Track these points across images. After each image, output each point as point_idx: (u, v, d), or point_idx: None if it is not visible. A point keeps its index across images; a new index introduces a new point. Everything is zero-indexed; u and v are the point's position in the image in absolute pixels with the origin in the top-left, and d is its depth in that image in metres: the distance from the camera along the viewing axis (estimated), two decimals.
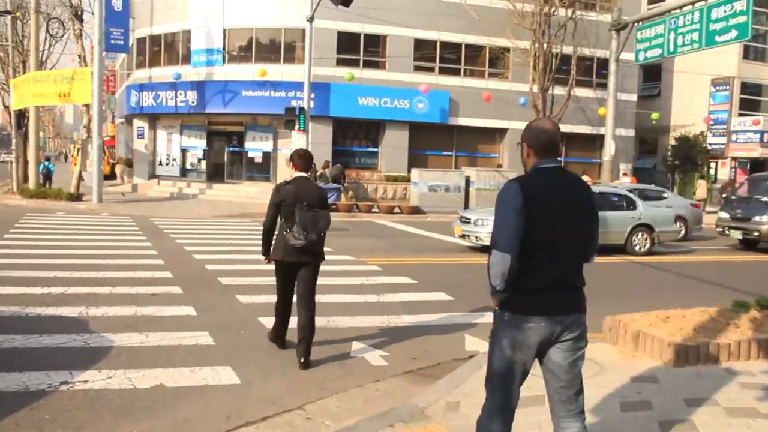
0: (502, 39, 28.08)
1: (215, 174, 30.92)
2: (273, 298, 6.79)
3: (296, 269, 6.28)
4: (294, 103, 25.29)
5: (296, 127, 23.13)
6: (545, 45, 27.16)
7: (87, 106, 25.85)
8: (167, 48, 31.15)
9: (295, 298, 6.44)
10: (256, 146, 29.50)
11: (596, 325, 7.83)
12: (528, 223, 3.17)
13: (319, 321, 7.85)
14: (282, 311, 6.62)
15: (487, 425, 3.42)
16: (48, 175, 28.84)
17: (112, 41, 29.58)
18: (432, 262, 13.41)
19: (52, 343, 6.60)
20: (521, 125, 30.39)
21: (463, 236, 14.92)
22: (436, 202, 24.33)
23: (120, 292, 9.06)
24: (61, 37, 29.54)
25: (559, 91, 28.54)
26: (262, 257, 6.53)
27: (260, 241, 6.54)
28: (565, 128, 29.20)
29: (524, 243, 3.18)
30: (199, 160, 31.64)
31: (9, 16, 29.63)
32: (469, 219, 14.74)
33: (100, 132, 24.85)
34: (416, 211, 24.01)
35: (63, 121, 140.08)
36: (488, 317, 8.27)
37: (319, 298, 9.16)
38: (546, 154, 3.33)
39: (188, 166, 32.01)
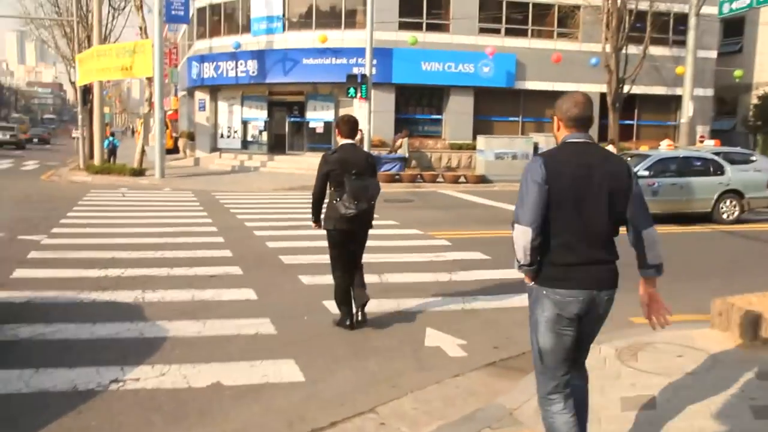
0: None
1: (276, 145, 30.60)
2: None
3: (349, 237, 6.29)
4: (356, 71, 24.63)
5: (358, 95, 22.45)
6: (619, 0, 25.58)
7: (149, 79, 25.74)
8: (227, 17, 30.79)
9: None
10: (317, 116, 28.97)
11: (695, 305, 7.05)
12: (551, 197, 3.19)
13: (389, 304, 7.32)
14: (341, 279, 6.45)
15: (547, 409, 3.42)
16: (113, 151, 29.04)
17: (173, 11, 29.26)
18: (505, 235, 12.41)
19: (105, 334, 6.20)
20: (593, 87, 29.26)
21: None
22: (503, 171, 23.39)
23: (178, 274, 8.65)
24: (123, 9, 29.47)
25: (632, 50, 26.97)
26: (312, 225, 6.56)
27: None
28: (638, 89, 27.86)
29: (550, 218, 3.21)
30: (260, 132, 31.35)
31: None
32: None
33: (162, 105, 24.72)
34: (482, 180, 23.16)
35: (130, 96, 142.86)
36: None
37: (387, 277, 8.65)
38: (575, 128, 3.32)
39: (249, 138, 31.78)
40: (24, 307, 7.08)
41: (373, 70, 23.82)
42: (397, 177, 22.86)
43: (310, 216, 6.58)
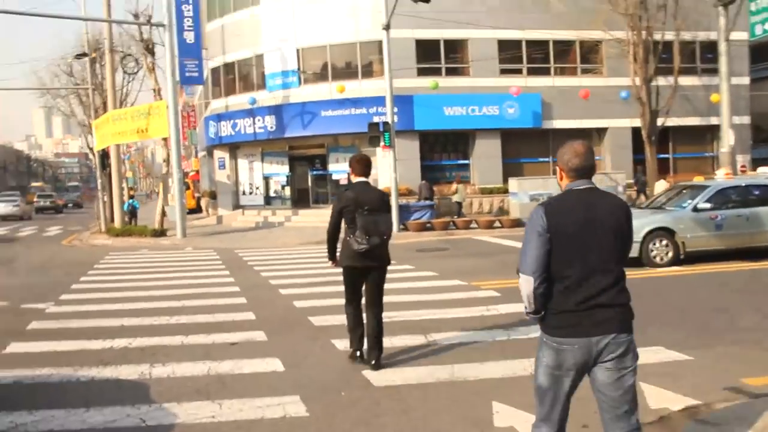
0: (593, 31, 25.70)
1: (300, 200, 29.68)
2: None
3: (363, 274, 6.33)
4: (376, 119, 23.75)
5: (381, 143, 21.50)
6: (644, 32, 24.59)
7: (165, 140, 25.07)
8: (241, 75, 30.28)
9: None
10: (339, 168, 28.04)
11: None
12: (554, 245, 3.20)
13: (442, 372, 6.08)
14: (353, 315, 6.52)
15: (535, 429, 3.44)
16: (133, 213, 28.29)
17: (187, 74, 28.89)
18: None
19: (99, 422, 5.07)
20: (623, 123, 28.17)
21: None
22: None
23: (193, 342, 7.52)
24: (136, 73, 29.12)
25: (661, 81, 25.86)
26: (330, 263, 6.62)
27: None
28: (671, 121, 26.60)
29: (552, 265, 3.22)
30: (283, 187, 30.49)
31: (86, 59, 29.52)
32: None
33: (180, 165, 23.96)
34: (518, 223, 21.91)
35: (154, 161, 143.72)
36: (666, 355, 6.46)
37: (435, 337, 7.44)
38: (577, 178, 3.34)
39: (272, 194, 30.93)
40: (9, 389, 6.02)
41: (395, 118, 22.86)
42: (428, 225, 21.72)
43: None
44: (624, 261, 3.35)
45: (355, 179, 6.40)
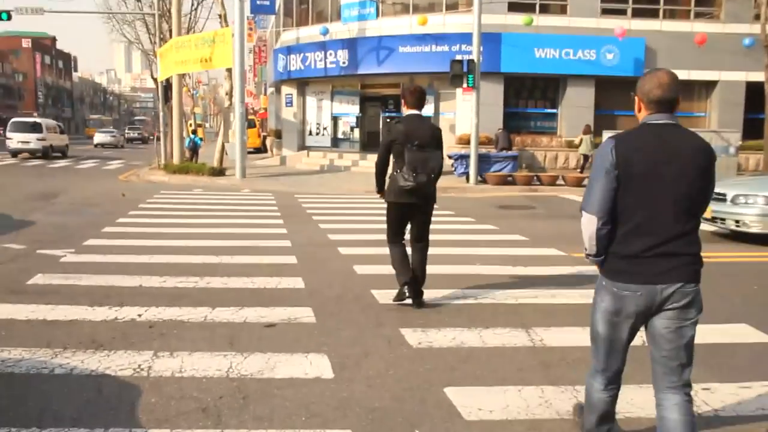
0: None
1: (369, 143, 27.72)
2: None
3: (409, 211, 6.11)
4: (459, 58, 21.42)
5: (464, 84, 19.22)
6: None
7: (229, 71, 23.36)
8: (315, 4, 28.14)
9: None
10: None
11: None
12: (621, 184, 2.99)
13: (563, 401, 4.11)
14: (398, 254, 6.21)
15: (590, 381, 3.36)
16: (195, 149, 26.86)
17: (258, 1, 27.21)
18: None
19: None
20: (737, 76, 25.03)
21: (713, 219, 10.48)
22: None
23: (219, 319, 5.73)
24: None
25: None
26: (377, 194, 6.43)
27: None
28: None
29: (619, 205, 3.03)
30: (352, 129, 28.56)
31: None
32: (724, 195, 10.25)
33: (243, 99, 22.24)
34: None
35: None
36: None
37: (540, 334, 5.48)
38: (657, 111, 3.05)
39: (340, 136, 29.04)
40: None
41: (480, 57, 20.47)
42: (509, 178, 19.50)
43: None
44: (701, 211, 3.11)
45: (407, 111, 6.07)
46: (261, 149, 39.67)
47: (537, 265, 8.32)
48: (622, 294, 3.06)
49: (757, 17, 23.08)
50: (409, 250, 6.29)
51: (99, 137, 52.47)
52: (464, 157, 19.75)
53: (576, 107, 24.48)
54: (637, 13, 24.51)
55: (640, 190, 2.99)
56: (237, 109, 21.97)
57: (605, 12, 24.25)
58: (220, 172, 22.56)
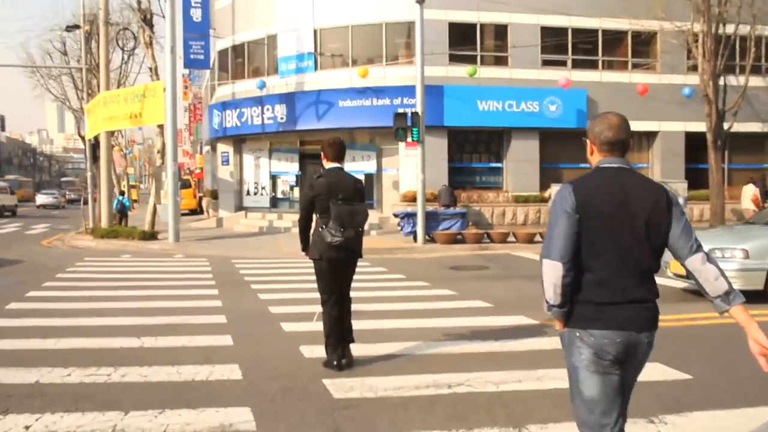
0: (649, 21, 22.59)
1: None
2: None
3: (336, 266, 5.94)
4: (402, 111, 20.81)
5: (408, 138, 18.46)
6: (714, 21, 21.33)
7: (161, 127, 22.17)
8: (251, 58, 27.29)
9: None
10: (356, 167, 25.06)
11: None
12: (583, 228, 2.91)
13: None
14: (333, 311, 6.00)
15: None
16: (123, 212, 25.37)
17: (192, 56, 26.39)
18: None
19: None
20: (676, 126, 25.10)
21: (684, 276, 9.72)
22: None
23: (131, 429, 4.52)
24: (133, 51, 26.21)
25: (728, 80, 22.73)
26: (302, 252, 6.26)
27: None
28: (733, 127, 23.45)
29: (583, 251, 2.93)
30: (292, 188, 27.47)
31: (80, 32, 26.63)
32: None
33: (176, 157, 21.01)
34: None
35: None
36: None
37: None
38: (610, 153, 3.06)
39: (279, 195, 27.91)
40: None
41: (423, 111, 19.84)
42: (459, 237, 18.67)
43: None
44: (659, 255, 3.00)
45: (328, 165, 6.04)
46: (197, 210, 38.20)
47: (509, 338, 7.34)
48: (601, 342, 2.91)
49: (692, 68, 23.29)
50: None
51: (42, 198, 53.38)
52: (411, 216, 18.87)
53: (522, 161, 24.08)
54: (577, 65, 24.49)
55: (602, 234, 2.91)
56: (169, 168, 20.72)
57: (546, 63, 24.13)
58: (151, 235, 21.14)
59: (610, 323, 2.90)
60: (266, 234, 23.57)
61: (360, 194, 5.99)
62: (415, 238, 18.83)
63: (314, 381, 5.70)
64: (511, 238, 18.93)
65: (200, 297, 10.28)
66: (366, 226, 6.24)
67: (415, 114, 18.36)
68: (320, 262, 5.98)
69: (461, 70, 22.86)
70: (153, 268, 14.18)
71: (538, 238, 18.94)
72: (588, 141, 3.14)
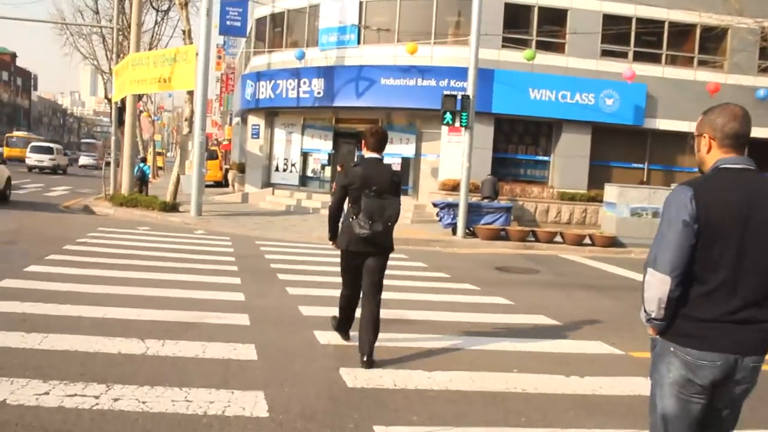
0: (721, 15, 20.86)
1: None
2: None
3: (362, 259, 5.79)
4: (452, 93, 19.40)
5: (456, 122, 17.00)
6: None
7: (191, 94, 20.92)
8: (290, 28, 25.93)
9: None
10: (393, 150, 23.71)
11: None
12: (701, 238, 2.63)
13: None
14: (346, 307, 6.14)
15: None
16: (143, 179, 24.18)
17: (228, 22, 24.97)
18: None
19: None
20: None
21: None
22: (639, 232, 17.52)
23: None
24: (167, 11, 24.92)
25: None
26: (329, 242, 6.13)
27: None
28: None
29: (697, 263, 2.66)
30: (323, 167, 26.19)
31: None
32: None
33: (204, 125, 19.77)
34: (614, 243, 17.34)
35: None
36: None
37: None
38: (733, 149, 2.74)
39: (309, 174, 26.65)
40: None
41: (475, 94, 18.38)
42: (502, 233, 17.24)
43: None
44: None
45: (367, 154, 5.84)
46: (222, 183, 37.06)
47: (596, 373, 5.95)
48: (697, 363, 2.67)
49: (763, 70, 21.58)
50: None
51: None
52: (452, 206, 17.45)
53: (571, 156, 22.54)
54: (638, 57, 22.83)
55: (723, 247, 2.63)
56: (196, 137, 19.49)
57: (605, 54, 22.49)
58: (172, 207, 19.95)
59: (713, 344, 2.66)
60: (294, 214, 22.30)
61: (395, 188, 5.76)
62: (454, 231, 17.45)
63: (363, 422, 4.37)
64: (557, 239, 17.46)
65: (220, 287, 8.99)
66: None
67: (465, 97, 16.89)
68: (346, 252, 5.84)
69: (514, 55, 21.36)
70: (170, 245, 12.93)
71: (587, 240, 17.46)
72: (702, 136, 2.81)
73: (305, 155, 26.53)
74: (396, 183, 5.79)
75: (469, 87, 17.25)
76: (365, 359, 5.55)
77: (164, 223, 17.83)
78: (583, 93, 21.90)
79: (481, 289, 10.37)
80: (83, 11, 31.31)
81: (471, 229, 17.42)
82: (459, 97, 16.92)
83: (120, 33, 25.92)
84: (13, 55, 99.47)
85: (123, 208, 20.10)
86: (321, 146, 25.99)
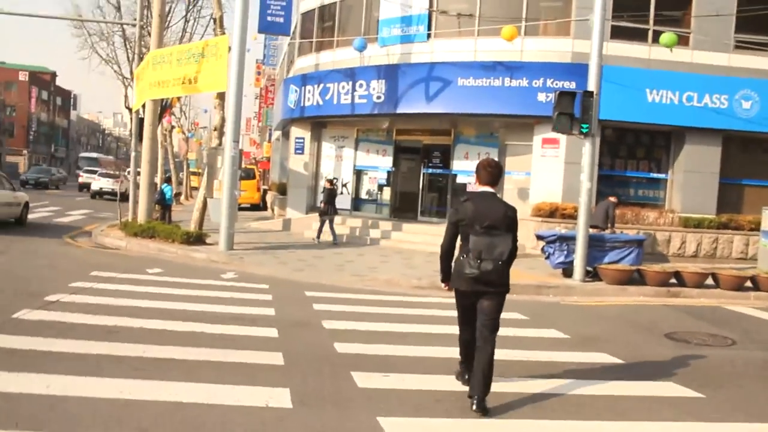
0: None
1: (403, 208, 21.42)
2: None
3: (475, 299, 5.52)
4: (541, 98, 15.52)
5: (575, 130, 12.83)
6: None
7: (221, 97, 17.19)
8: (343, 22, 22.09)
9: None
10: (468, 167, 19.67)
11: None
12: None
13: None
14: (464, 349, 5.82)
15: None
16: (163, 203, 20.52)
17: (269, 17, 21.57)
18: None
19: None
20: None
21: None
22: None
23: None
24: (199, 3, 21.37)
25: None
26: (442, 284, 5.88)
27: None
28: None
29: None
30: (381, 187, 22.25)
31: None
32: None
33: (237, 136, 16.00)
34: None
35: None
36: None
37: None
38: None
39: (364, 195, 22.73)
40: None
41: (598, 93, 14.17)
42: (635, 275, 12.98)
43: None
44: None
45: (479, 188, 5.64)
46: (260, 206, 33.36)
47: None
48: None
49: None
50: None
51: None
52: (565, 240, 13.21)
53: (695, 172, 18.19)
54: None
55: None
56: (227, 151, 15.74)
57: (740, 46, 18.13)
58: (197, 239, 16.22)
59: None
60: (347, 245, 18.33)
61: (509, 223, 5.42)
62: (566, 273, 13.31)
63: None
64: (709, 281, 13.18)
65: (254, 381, 5.03)
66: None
67: (587, 95, 12.79)
68: (458, 292, 5.62)
69: (625, 48, 17.28)
70: (184, 304, 9.04)
71: (748, 284, 13.14)
72: None
73: (359, 173, 22.61)
74: (510, 218, 5.44)
75: (592, 81, 13.18)
76: (474, 406, 5.23)
77: (185, 261, 14.13)
78: (714, 94, 17.58)
79: (680, 393, 6.20)
80: (103, 7, 28.11)
81: (593, 268, 13.24)
82: (579, 96, 12.80)
83: (142, 29, 22.39)
84: (54, 74, 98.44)
85: (137, 239, 16.56)
86: (378, 163, 22.05)
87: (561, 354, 7.49)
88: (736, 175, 18.77)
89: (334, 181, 20.36)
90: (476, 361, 5.39)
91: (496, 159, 19.15)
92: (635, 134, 18.74)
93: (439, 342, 7.52)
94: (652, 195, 19.00)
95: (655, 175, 18.95)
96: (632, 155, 18.98)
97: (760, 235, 15.50)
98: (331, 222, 18.73)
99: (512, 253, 5.40)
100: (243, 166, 38.50)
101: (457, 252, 5.61)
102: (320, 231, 18.72)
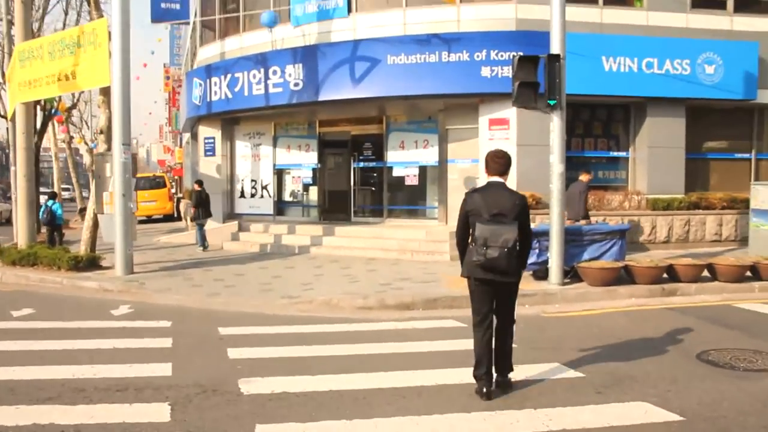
0: None
1: (333, 209, 18.98)
2: None
3: (486, 288, 5.58)
4: (485, 73, 13.51)
5: (538, 102, 10.64)
6: None
7: (106, 93, 14.38)
8: (249, 2, 19.48)
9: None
10: (405, 158, 17.44)
11: None
12: None
13: None
14: (480, 333, 5.63)
15: None
16: (52, 223, 17.57)
17: (163, 4, 19.22)
18: None
19: None
20: None
21: None
22: None
23: None
24: None
25: None
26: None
27: None
28: None
29: None
30: (306, 187, 19.76)
31: None
32: None
33: (127, 139, 13.24)
34: None
35: (149, 160, 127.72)
36: None
37: None
38: None
39: (287, 198, 20.20)
40: None
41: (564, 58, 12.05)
42: (622, 272, 10.95)
43: None
44: None
45: (488, 179, 5.74)
46: (173, 216, 30.37)
47: None
48: None
49: None
50: None
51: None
52: (534, 236, 11.06)
53: (659, 147, 16.40)
54: (743, 7, 16.82)
55: None
56: (116, 157, 13.00)
57: (697, 5, 16.45)
58: (89, 263, 13.53)
59: None
60: (272, 256, 15.83)
61: (518, 212, 5.48)
62: (539, 274, 11.21)
63: None
64: (705, 273, 11.29)
65: None
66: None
67: (553, 59, 10.64)
68: (469, 280, 5.69)
69: (575, 12, 15.20)
70: (41, 367, 6.45)
71: (748, 274, 11.30)
72: None
73: (280, 173, 20.06)
74: (520, 207, 5.52)
75: (555, 43, 11.04)
76: (484, 391, 5.45)
77: (71, 293, 11.52)
78: (675, 59, 15.80)
79: None
80: None
81: (571, 267, 11.16)
82: (542, 61, 10.65)
83: (11, 25, 19.24)
84: None
85: (15, 268, 13.83)
86: (301, 160, 19.56)
87: (588, 411, 5.27)
88: (701, 150, 17.15)
89: (203, 183, 18.34)
90: (496, 347, 5.62)
91: (437, 147, 17.15)
92: (591, 109, 16.79)
93: (425, 400, 5.19)
94: (613, 176, 17.12)
95: (615, 154, 17.05)
96: (589, 133, 16.99)
97: (750, 214, 13.79)
98: (201, 227, 17.68)
99: (524, 242, 5.48)
100: (154, 174, 35.39)
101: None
102: (202, 238, 17.58)
